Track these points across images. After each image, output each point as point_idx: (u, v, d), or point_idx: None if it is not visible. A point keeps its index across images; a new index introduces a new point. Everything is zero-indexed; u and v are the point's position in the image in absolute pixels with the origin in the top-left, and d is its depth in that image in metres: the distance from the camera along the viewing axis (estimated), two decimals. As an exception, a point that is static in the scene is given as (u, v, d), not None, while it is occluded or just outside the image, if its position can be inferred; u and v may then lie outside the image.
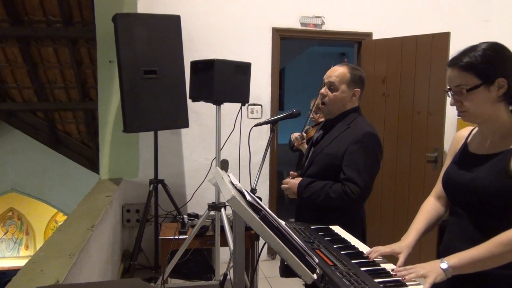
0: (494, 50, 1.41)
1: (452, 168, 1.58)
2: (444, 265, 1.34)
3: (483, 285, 1.41)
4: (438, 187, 1.70)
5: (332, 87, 2.21)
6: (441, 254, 1.55)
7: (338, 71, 2.22)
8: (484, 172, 1.44)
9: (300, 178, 2.26)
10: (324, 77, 2.26)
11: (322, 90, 2.25)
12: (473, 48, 1.43)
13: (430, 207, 1.71)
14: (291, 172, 2.31)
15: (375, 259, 1.55)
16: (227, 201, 1.22)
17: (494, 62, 1.39)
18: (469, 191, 1.46)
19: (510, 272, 1.39)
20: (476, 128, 1.58)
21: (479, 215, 1.46)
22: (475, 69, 1.39)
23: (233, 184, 1.44)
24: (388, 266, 1.48)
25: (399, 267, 1.46)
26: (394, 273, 1.39)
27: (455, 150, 1.63)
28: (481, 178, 1.43)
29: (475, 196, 1.44)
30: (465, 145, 1.59)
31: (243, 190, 1.36)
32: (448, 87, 1.48)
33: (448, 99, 1.53)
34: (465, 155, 1.56)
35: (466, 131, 1.64)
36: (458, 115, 1.49)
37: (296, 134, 3.33)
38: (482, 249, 1.34)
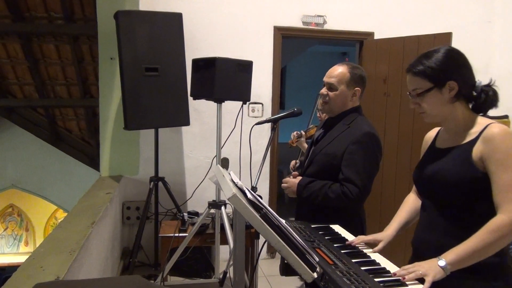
0: (445, 56, 1.54)
1: (420, 164, 1.70)
2: (441, 262, 1.38)
3: (471, 273, 1.43)
4: None
5: (331, 87, 2.21)
6: (413, 246, 1.67)
7: (337, 71, 2.21)
8: (448, 163, 1.55)
9: (300, 178, 2.26)
10: (324, 77, 2.26)
11: (322, 90, 2.25)
12: (427, 55, 1.57)
13: (411, 201, 1.84)
14: (294, 172, 2.30)
15: (372, 256, 1.58)
16: (228, 199, 1.22)
17: (444, 67, 1.53)
18: (435, 182, 1.57)
19: (497, 260, 1.46)
20: (443, 127, 1.71)
21: (445, 205, 1.56)
22: (426, 74, 1.54)
23: (234, 182, 1.44)
24: (389, 266, 1.49)
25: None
26: (393, 273, 1.39)
27: (425, 149, 1.76)
28: (445, 169, 1.54)
29: (440, 186, 1.55)
30: (433, 143, 1.72)
31: (244, 188, 1.35)
32: (408, 91, 1.63)
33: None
34: (431, 151, 1.70)
35: (434, 131, 1.76)
36: (420, 115, 1.63)
37: (296, 133, 3.35)
38: (475, 239, 1.40)
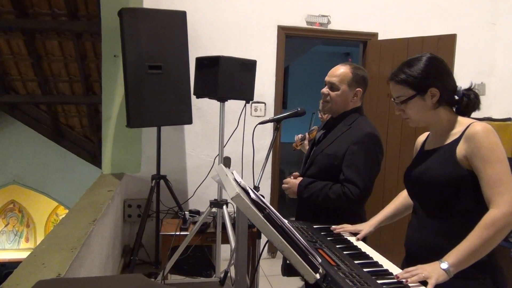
0: (426, 64, 1.61)
1: (410, 166, 1.75)
2: (444, 265, 1.39)
3: (461, 272, 1.43)
4: None
5: (332, 87, 2.21)
6: (406, 248, 1.71)
7: (339, 71, 2.21)
8: (432, 163, 1.60)
9: (301, 179, 2.25)
10: (326, 77, 2.25)
11: (324, 90, 2.25)
12: (408, 63, 1.64)
13: (402, 197, 1.94)
14: (295, 173, 2.30)
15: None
16: (231, 199, 1.22)
17: (425, 75, 1.59)
18: (421, 183, 1.62)
19: (485, 258, 1.45)
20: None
21: (433, 205, 1.60)
22: (408, 83, 1.61)
23: (237, 182, 1.43)
24: (391, 267, 1.48)
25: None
26: (396, 276, 1.38)
27: (415, 152, 1.82)
28: (430, 169, 1.59)
29: (426, 186, 1.60)
30: (422, 146, 1.77)
31: (247, 188, 1.35)
32: (392, 98, 1.70)
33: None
34: (420, 153, 1.76)
35: (424, 135, 1.82)
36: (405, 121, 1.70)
37: (299, 136, 3.35)
38: (473, 238, 1.41)
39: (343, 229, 1.90)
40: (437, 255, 1.43)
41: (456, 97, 1.63)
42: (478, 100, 1.64)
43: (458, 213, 1.53)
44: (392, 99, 1.70)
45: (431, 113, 1.62)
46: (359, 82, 2.21)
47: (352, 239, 1.81)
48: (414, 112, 1.63)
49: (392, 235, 3.70)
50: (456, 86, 1.63)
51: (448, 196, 1.54)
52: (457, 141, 1.55)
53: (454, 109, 1.66)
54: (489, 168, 1.44)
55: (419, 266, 1.41)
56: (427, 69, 1.60)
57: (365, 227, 1.89)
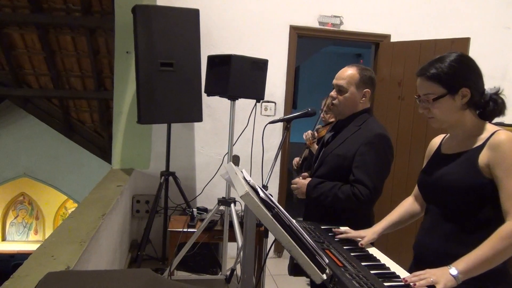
0: (459, 61, 1.52)
1: (426, 169, 1.70)
2: (453, 271, 1.37)
3: (473, 279, 1.41)
4: (416, 188, 1.81)
5: (341, 89, 2.20)
6: (414, 251, 1.67)
7: (346, 73, 2.20)
8: (453, 168, 1.54)
9: (310, 179, 2.25)
10: (334, 80, 2.24)
11: (332, 93, 2.24)
12: (440, 59, 1.54)
13: (407, 204, 1.88)
14: (304, 173, 2.30)
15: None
16: (240, 197, 1.22)
17: (458, 73, 1.51)
18: (439, 187, 1.57)
19: (499, 266, 1.42)
20: (449, 134, 1.70)
21: (449, 210, 1.55)
22: (440, 80, 1.51)
23: (246, 180, 1.44)
24: (398, 270, 1.48)
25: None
26: (403, 279, 1.38)
27: (429, 155, 1.75)
28: (450, 174, 1.53)
29: (445, 191, 1.54)
30: (438, 149, 1.71)
31: (257, 187, 1.35)
32: (417, 95, 1.60)
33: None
34: (437, 157, 1.69)
35: (439, 137, 1.75)
36: (428, 120, 1.61)
37: (309, 132, 3.33)
38: (486, 247, 1.38)
39: (346, 235, 1.83)
40: (447, 261, 1.41)
41: (482, 100, 1.56)
42: (505, 106, 1.57)
43: (475, 221, 1.49)
44: (417, 96, 1.60)
45: (458, 114, 1.54)
46: (367, 82, 2.20)
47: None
48: (441, 112, 1.54)
49: (400, 238, 3.68)
50: (484, 89, 1.56)
51: (466, 203, 1.49)
52: (480, 148, 1.49)
53: (477, 112, 1.58)
54: (510, 179, 1.40)
55: (427, 271, 1.39)
56: (460, 66, 1.51)
57: (368, 234, 1.81)
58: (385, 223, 1.86)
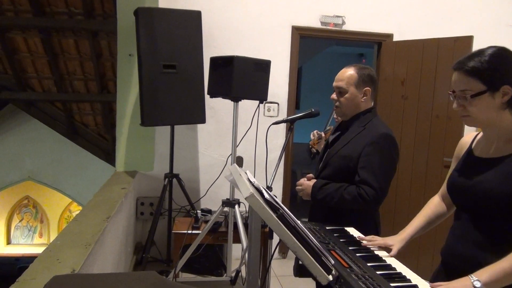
0: (501, 56, 1.40)
1: (457, 172, 1.58)
2: (477, 283, 1.28)
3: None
4: (444, 187, 1.71)
5: (341, 91, 2.20)
6: (442, 256, 1.59)
7: (345, 74, 2.20)
8: (489, 175, 1.43)
9: (315, 180, 2.25)
10: (333, 82, 2.24)
11: (333, 96, 2.24)
12: (479, 53, 1.41)
13: (433, 205, 1.76)
14: (308, 175, 2.29)
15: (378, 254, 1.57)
16: (245, 198, 1.22)
17: (500, 68, 1.38)
18: (474, 194, 1.45)
19: None
20: (481, 133, 1.58)
21: (482, 218, 1.45)
22: (480, 75, 1.39)
23: (250, 182, 1.44)
24: (405, 271, 1.47)
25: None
26: None
27: (459, 156, 1.64)
28: (486, 181, 1.42)
29: (480, 199, 1.43)
30: (469, 150, 1.59)
31: (261, 188, 1.35)
32: (452, 90, 1.47)
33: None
34: (469, 159, 1.56)
35: (469, 137, 1.64)
36: (461, 118, 1.49)
37: (315, 132, 3.30)
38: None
39: (372, 242, 1.72)
40: (476, 269, 1.33)
41: None
42: None
43: (509, 230, 1.38)
44: (451, 92, 1.47)
45: (495, 114, 1.41)
46: (366, 81, 2.19)
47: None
48: (478, 110, 1.41)
49: (418, 240, 3.67)
50: None
51: (502, 212, 1.38)
52: None
53: None
54: None
55: (450, 284, 1.32)
56: (501, 61, 1.38)
57: (396, 243, 1.68)
58: (411, 228, 1.74)
